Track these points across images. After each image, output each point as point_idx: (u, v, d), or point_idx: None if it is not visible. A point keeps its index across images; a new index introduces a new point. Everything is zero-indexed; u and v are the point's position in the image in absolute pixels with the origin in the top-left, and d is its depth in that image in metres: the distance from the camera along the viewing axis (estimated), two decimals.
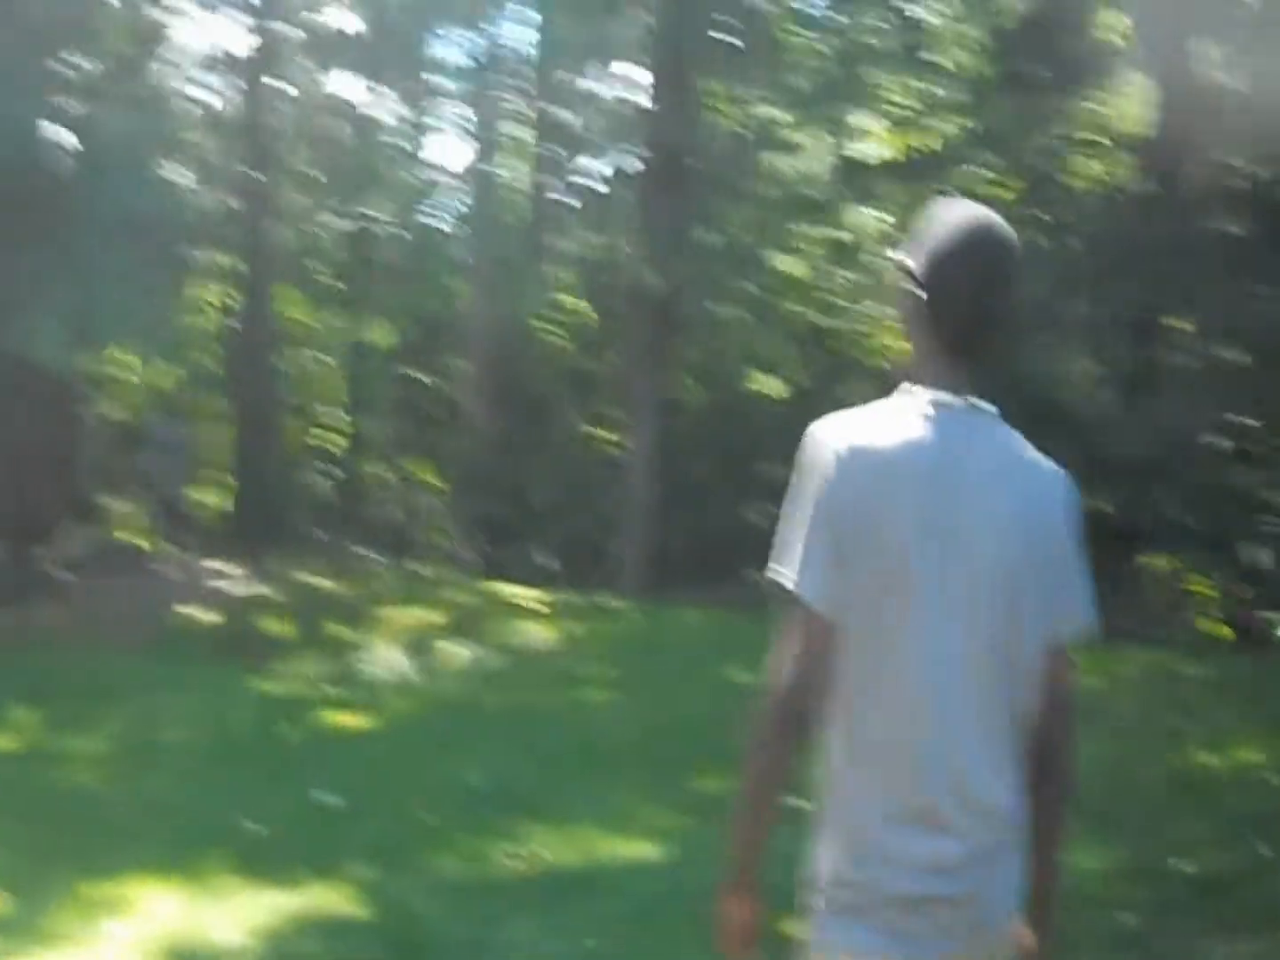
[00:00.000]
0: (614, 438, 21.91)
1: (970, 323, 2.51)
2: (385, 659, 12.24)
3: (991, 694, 2.42)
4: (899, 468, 2.42)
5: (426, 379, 24.49)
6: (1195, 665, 12.04)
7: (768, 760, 2.46)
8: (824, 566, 2.40)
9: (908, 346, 2.61)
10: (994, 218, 2.56)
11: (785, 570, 2.44)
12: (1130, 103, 17.97)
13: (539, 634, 13.49)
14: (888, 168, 19.72)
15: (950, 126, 19.49)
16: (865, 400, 2.61)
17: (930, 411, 2.47)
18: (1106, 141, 18.27)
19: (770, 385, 24.22)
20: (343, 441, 24.99)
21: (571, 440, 22.06)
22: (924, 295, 2.53)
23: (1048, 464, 2.53)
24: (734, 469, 22.22)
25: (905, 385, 2.55)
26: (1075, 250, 16.48)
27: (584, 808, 7.74)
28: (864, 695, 2.42)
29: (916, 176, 18.77)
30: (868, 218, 21.09)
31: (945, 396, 2.48)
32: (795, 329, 22.62)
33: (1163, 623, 14.70)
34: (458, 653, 12.52)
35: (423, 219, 25.61)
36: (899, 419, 2.48)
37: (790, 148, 20.88)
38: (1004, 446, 2.51)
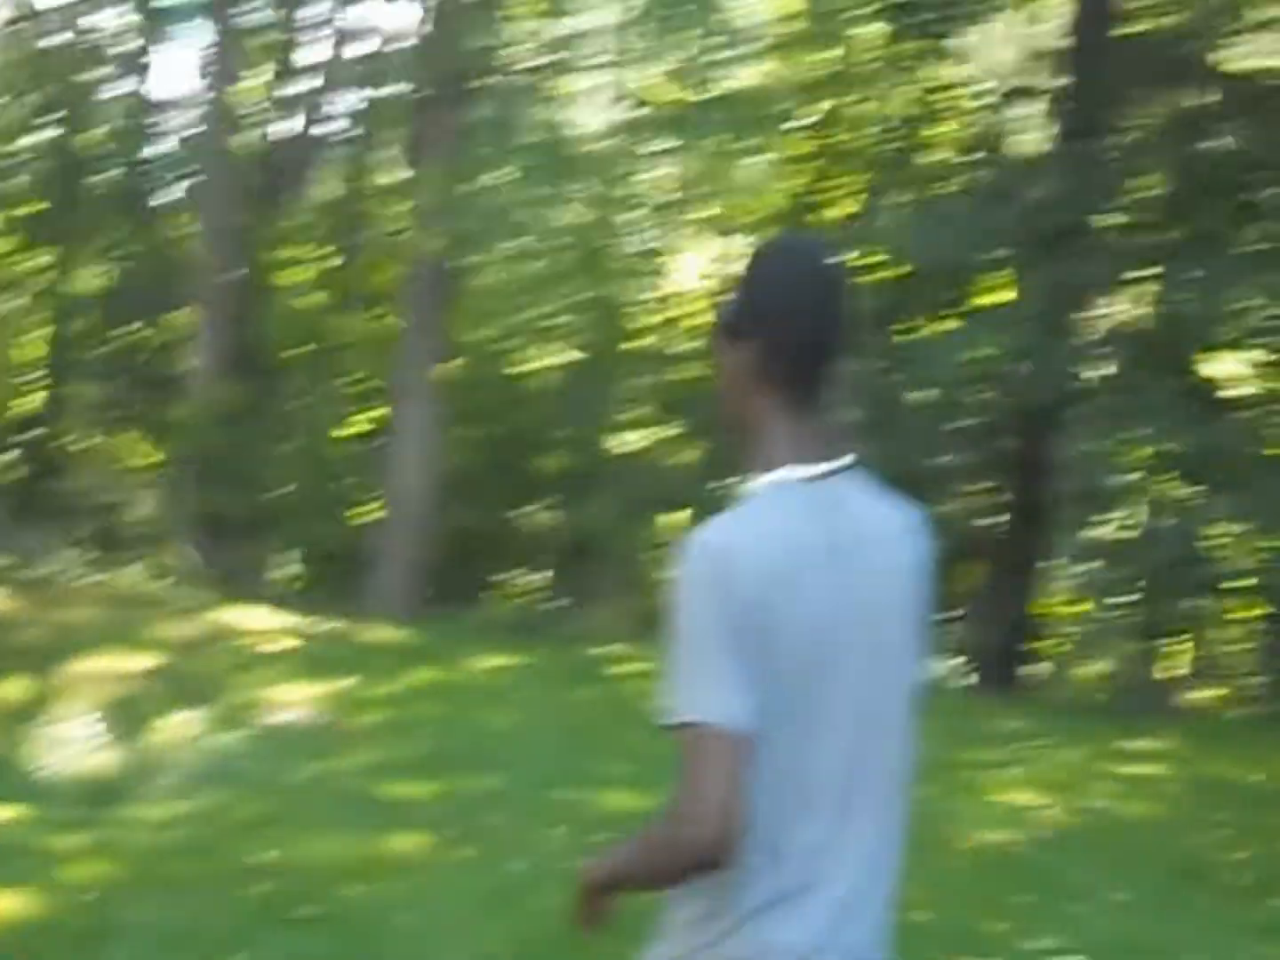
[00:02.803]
0: (373, 419, 18.52)
1: (816, 369, 2.35)
2: (64, 745, 8.70)
3: (890, 772, 2.36)
4: (791, 567, 2.22)
5: (145, 332, 20.53)
6: None
7: (676, 881, 2.24)
8: (736, 683, 2.15)
9: (740, 409, 2.38)
10: (822, 247, 2.41)
11: (690, 700, 2.15)
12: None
13: (296, 694, 10.14)
14: (683, 118, 17.00)
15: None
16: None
17: (802, 494, 2.28)
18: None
19: (549, 361, 21.36)
20: (38, 403, 20.91)
21: (322, 419, 18.48)
22: (760, 347, 2.34)
23: (911, 512, 2.41)
24: (510, 459, 19.17)
25: (769, 461, 2.32)
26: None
27: None
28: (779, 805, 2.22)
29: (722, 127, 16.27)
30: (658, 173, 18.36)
31: (808, 470, 2.30)
32: (577, 298, 19.53)
33: None
34: (180, 734, 9.08)
35: (146, 147, 21.70)
36: (779, 510, 2.27)
37: (575, 95, 17.98)
38: (874, 509, 2.36)
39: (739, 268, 2.43)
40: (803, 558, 2.24)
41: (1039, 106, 16.26)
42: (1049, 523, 15.22)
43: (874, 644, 2.30)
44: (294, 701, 9.95)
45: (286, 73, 22.63)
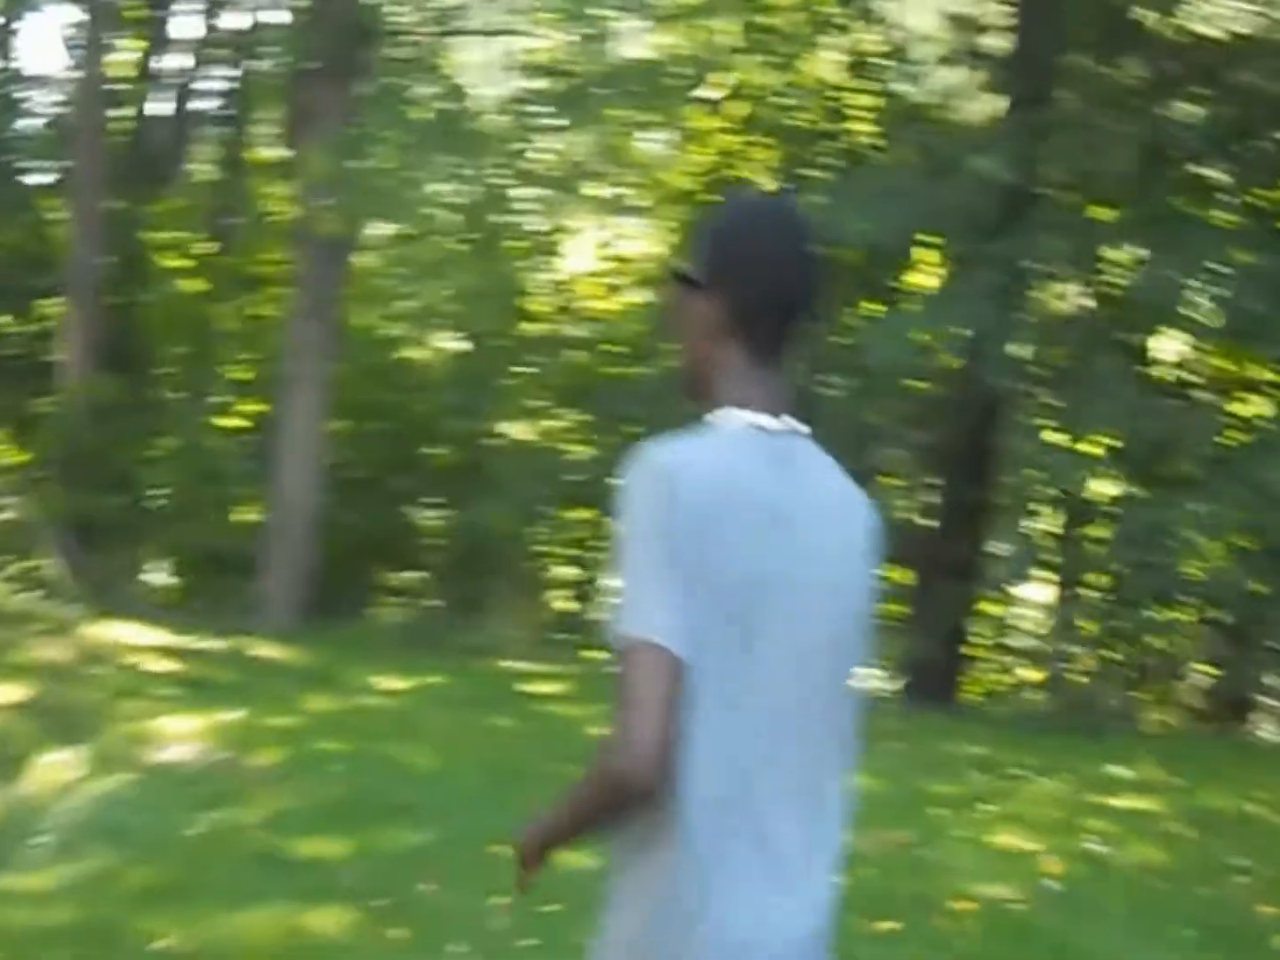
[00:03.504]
0: (254, 413, 17.47)
1: (781, 325, 2.31)
2: None
3: (821, 748, 2.26)
4: (736, 504, 2.16)
5: (11, 322, 19.21)
6: None
7: (612, 815, 2.15)
8: (675, 605, 2.09)
9: (696, 364, 2.33)
10: (791, 203, 2.42)
11: (625, 616, 2.11)
12: None
13: (183, 727, 9.17)
14: (581, 89, 16.41)
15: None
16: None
17: (756, 441, 2.24)
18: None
19: (438, 348, 20.50)
20: None
21: (200, 413, 17.38)
22: (723, 301, 2.29)
23: (860, 495, 2.36)
24: (397, 454, 18.24)
25: (719, 408, 2.28)
26: None
27: None
28: (706, 744, 2.13)
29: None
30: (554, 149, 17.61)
31: (767, 421, 2.26)
32: (468, 281, 18.65)
33: None
34: (56, 779, 8.09)
35: (12, 124, 20.36)
36: (728, 449, 2.22)
37: (467, 66, 17.18)
38: (826, 479, 2.31)
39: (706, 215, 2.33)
40: (747, 498, 2.17)
41: (977, 74, 15.58)
42: (988, 522, 14.60)
43: (810, 614, 2.22)
44: (181, 735, 9.00)
45: (159, 47, 21.46)
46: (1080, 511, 13.80)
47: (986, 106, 15.86)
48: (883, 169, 15.25)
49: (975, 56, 15.83)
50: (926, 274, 15.69)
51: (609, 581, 2.17)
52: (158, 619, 12.78)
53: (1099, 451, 12.93)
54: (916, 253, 15.29)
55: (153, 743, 8.84)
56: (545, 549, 18.80)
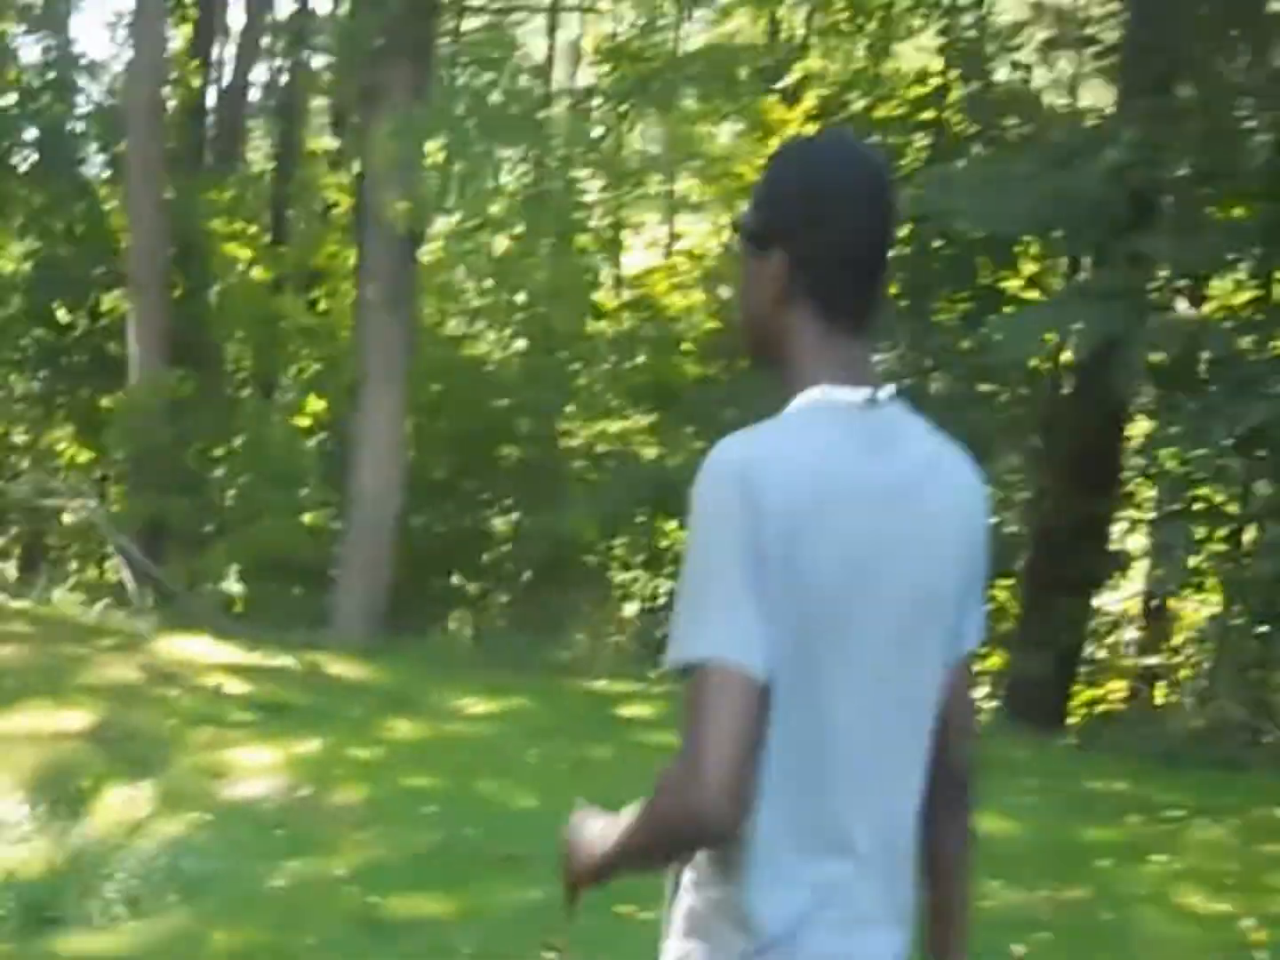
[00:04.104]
0: (324, 411, 16.82)
1: (857, 281, 2.05)
2: None
3: (908, 754, 2.06)
4: (831, 501, 1.93)
5: (73, 316, 18.62)
6: None
7: (680, 853, 1.99)
8: (753, 620, 1.87)
9: (765, 330, 2.08)
10: (862, 144, 2.15)
11: (702, 635, 1.88)
12: None
13: (258, 759, 8.49)
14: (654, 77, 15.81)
15: None
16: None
17: (845, 419, 1.99)
18: None
19: (508, 345, 19.88)
20: None
21: (272, 412, 16.72)
22: (790, 258, 2.03)
23: (965, 460, 2.12)
24: (472, 457, 17.55)
25: (803, 384, 2.02)
26: None
27: None
28: (785, 763, 1.93)
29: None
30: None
31: (857, 394, 2.00)
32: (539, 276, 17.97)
33: None
34: (124, 819, 7.40)
35: (59, 107, 19.75)
36: (814, 436, 1.98)
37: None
38: (926, 450, 2.07)
39: (763, 174, 2.14)
40: (843, 487, 1.95)
41: (1087, 62, 14.75)
42: (1106, 534, 13.74)
43: (917, 597, 2.01)
44: (256, 768, 8.32)
45: (216, 32, 20.91)
46: (1223, 522, 12.89)
47: (1097, 96, 15.07)
48: (992, 159, 14.42)
49: (1084, 43, 15.03)
50: (1035, 270, 14.92)
51: (680, 594, 1.94)
52: (227, 632, 12.12)
53: (1231, 461, 12.05)
54: (1024, 247, 14.51)
55: (226, 776, 8.17)
56: (625, 557, 18.06)
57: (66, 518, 15.82)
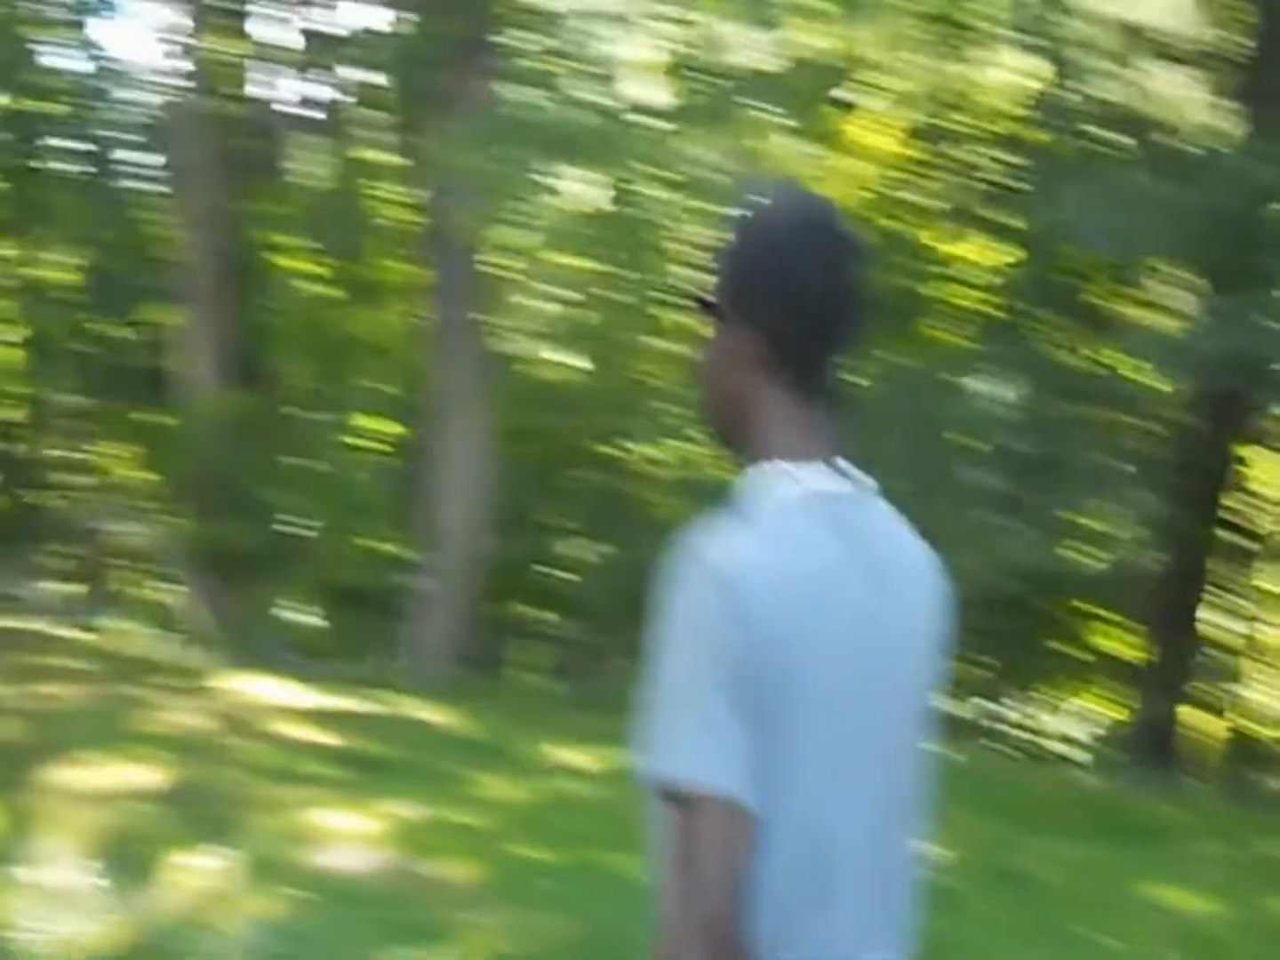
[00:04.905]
0: (394, 434, 15.87)
1: (836, 348, 1.99)
2: (45, 903, 5.98)
3: (900, 838, 2.01)
4: (817, 607, 1.87)
5: (126, 331, 17.75)
6: None
7: None
8: (740, 743, 1.79)
9: (729, 401, 2.00)
10: (826, 202, 2.03)
11: (678, 755, 1.79)
12: None
13: (346, 823, 7.48)
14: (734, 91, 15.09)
15: None
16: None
17: (820, 513, 1.92)
18: None
19: (573, 366, 19.03)
20: (17, 415, 18.02)
21: (336, 433, 15.78)
22: (754, 331, 1.96)
23: (931, 557, 2.08)
24: (543, 481, 16.63)
25: (771, 456, 1.96)
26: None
27: None
28: (783, 856, 1.85)
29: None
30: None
31: (824, 480, 1.95)
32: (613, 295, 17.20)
33: None
34: (199, 890, 6.38)
35: (107, 118, 19.04)
36: (793, 536, 1.90)
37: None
38: (902, 538, 2.05)
39: (724, 231, 2.01)
40: (831, 591, 1.91)
41: (1205, 75, 13.87)
42: (1235, 569, 12.88)
43: (900, 690, 2.00)
44: (347, 835, 7.32)
45: (267, 42, 20.10)
46: None
47: (1217, 111, 14.11)
48: (1114, 173, 13.50)
49: (1205, 55, 14.14)
50: (1153, 290, 13.97)
51: (661, 700, 1.80)
52: (300, 671, 11.17)
53: None
54: (1146, 266, 13.60)
55: (313, 843, 7.15)
56: None
57: (120, 540, 14.89)
